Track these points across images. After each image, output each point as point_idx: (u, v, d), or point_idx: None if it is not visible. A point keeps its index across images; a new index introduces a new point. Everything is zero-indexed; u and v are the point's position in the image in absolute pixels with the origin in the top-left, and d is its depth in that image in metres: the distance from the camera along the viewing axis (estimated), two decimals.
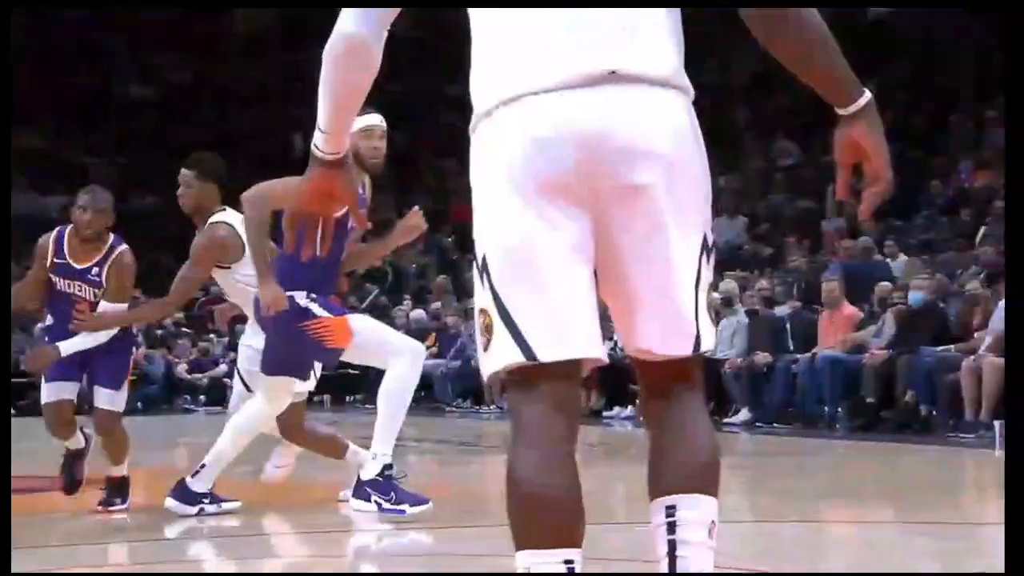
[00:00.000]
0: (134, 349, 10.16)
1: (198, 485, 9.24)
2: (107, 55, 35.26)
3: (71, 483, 9.96)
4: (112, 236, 9.61)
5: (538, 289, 3.62)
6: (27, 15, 33.68)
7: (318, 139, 3.92)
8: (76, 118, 33.26)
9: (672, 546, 3.74)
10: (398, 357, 8.97)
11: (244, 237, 9.22)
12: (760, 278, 22.06)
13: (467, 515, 9.19)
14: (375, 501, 8.84)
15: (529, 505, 3.60)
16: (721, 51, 30.05)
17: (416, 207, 9.53)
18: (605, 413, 20.55)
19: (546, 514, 3.58)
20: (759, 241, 25.51)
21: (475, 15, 3.79)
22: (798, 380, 18.47)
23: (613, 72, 3.63)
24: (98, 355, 9.60)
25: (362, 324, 9.28)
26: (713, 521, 3.72)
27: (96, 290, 9.37)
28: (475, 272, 3.76)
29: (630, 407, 19.43)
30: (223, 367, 24.98)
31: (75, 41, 34.15)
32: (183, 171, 9.62)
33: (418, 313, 26.07)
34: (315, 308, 8.82)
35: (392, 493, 8.88)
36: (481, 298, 3.72)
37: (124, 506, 9.88)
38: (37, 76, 33.04)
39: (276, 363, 8.95)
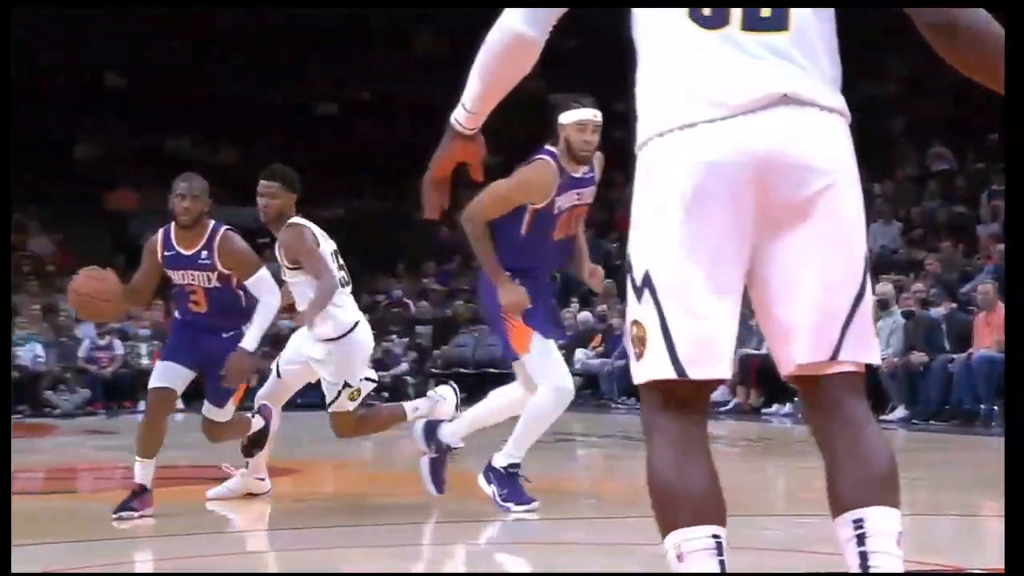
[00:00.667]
0: None
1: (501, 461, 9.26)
2: (302, 76, 35.53)
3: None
4: (211, 221, 9.41)
5: (695, 313, 3.66)
6: (235, 39, 34.05)
7: (460, 115, 4.04)
8: (271, 135, 33.53)
9: (864, 558, 3.70)
10: (547, 389, 9.02)
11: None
12: (916, 281, 21.74)
13: (632, 506, 9.10)
14: (493, 490, 9.12)
15: (670, 495, 3.69)
16: (876, 58, 29.65)
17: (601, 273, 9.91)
18: (764, 410, 20.30)
19: (686, 500, 3.67)
20: (914, 246, 25.15)
21: (647, 38, 3.79)
22: (954, 379, 18.22)
23: (785, 95, 3.65)
24: (215, 359, 9.29)
25: (540, 346, 9.16)
26: (899, 531, 3.72)
27: (209, 274, 9.21)
28: (631, 285, 3.78)
29: (788, 404, 19.20)
30: (404, 365, 25.06)
31: (275, 65, 34.48)
32: (266, 183, 9.73)
33: (585, 315, 25.93)
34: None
35: (507, 489, 9.10)
36: (637, 311, 3.75)
37: (136, 515, 9.15)
38: (239, 96, 33.37)
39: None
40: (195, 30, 34.86)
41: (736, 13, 3.67)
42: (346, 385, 9.77)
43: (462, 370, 25.45)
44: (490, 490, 9.12)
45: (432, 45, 36.53)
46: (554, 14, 3.83)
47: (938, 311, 19.92)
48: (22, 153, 31.54)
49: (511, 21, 3.83)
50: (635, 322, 3.75)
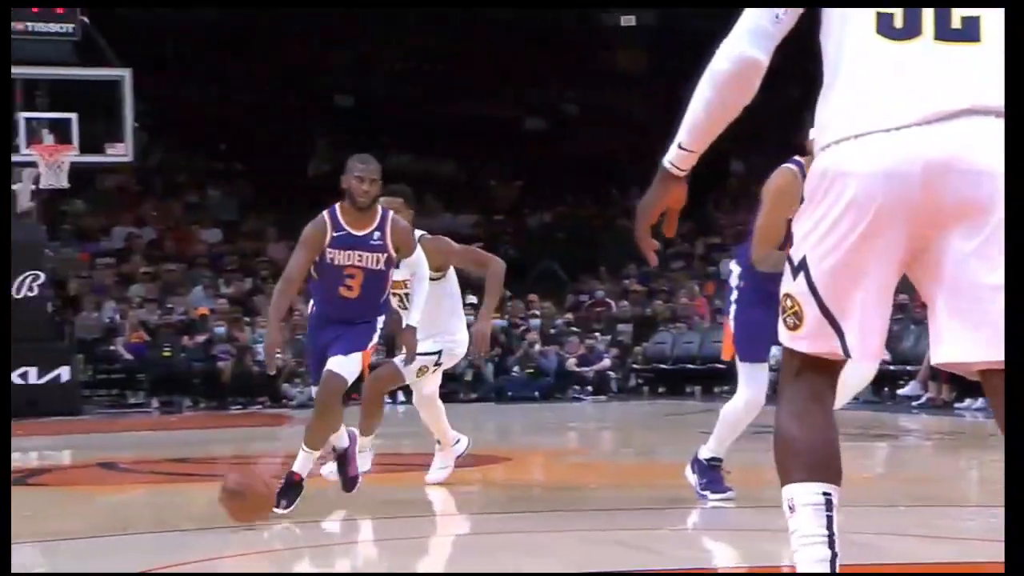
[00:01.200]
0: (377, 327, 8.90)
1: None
2: (513, 92, 35.75)
3: (350, 482, 9.00)
4: (379, 205, 8.90)
5: (850, 300, 3.69)
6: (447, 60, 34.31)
7: (676, 157, 3.85)
8: (484, 147, 33.76)
9: None
10: (747, 393, 8.87)
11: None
12: None
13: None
14: (695, 479, 9.03)
15: (789, 450, 3.78)
16: None
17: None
18: (956, 405, 19.72)
19: (803, 457, 3.75)
20: None
21: (837, 50, 3.71)
22: None
23: (969, 108, 3.55)
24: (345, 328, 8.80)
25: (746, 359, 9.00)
26: None
27: (379, 255, 8.69)
28: (789, 262, 3.81)
29: (980, 399, 18.70)
30: (607, 361, 25.03)
31: (487, 83, 34.75)
32: (391, 199, 9.33)
33: None
34: (730, 313, 9.03)
35: (707, 479, 9.04)
36: (791, 287, 3.79)
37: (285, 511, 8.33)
38: (454, 113, 33.65)
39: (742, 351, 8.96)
40: (414, 53, 35.21)
41: (928, 24, 3.60)
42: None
43: (661, 366, 25.34)
44: (692, 479, 9.06)
45: (633, 62, 36.46)
46: (781, 35, 3.74)
47: None
48: (263, 168, 32.27)
49: (741, 47, 3.72)
50: (788, 296, 3.81)
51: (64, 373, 21.57)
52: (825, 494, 3.70)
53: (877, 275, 3.67)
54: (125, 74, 22.01)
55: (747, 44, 3.73)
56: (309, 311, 9.43)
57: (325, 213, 8.69)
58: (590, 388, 24.74)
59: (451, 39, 35.16)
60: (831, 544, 3.67)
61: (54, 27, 22.19)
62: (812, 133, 3.93)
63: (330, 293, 8.75)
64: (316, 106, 34.16)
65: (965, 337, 3.63)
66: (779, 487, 3.75)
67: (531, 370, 24.72)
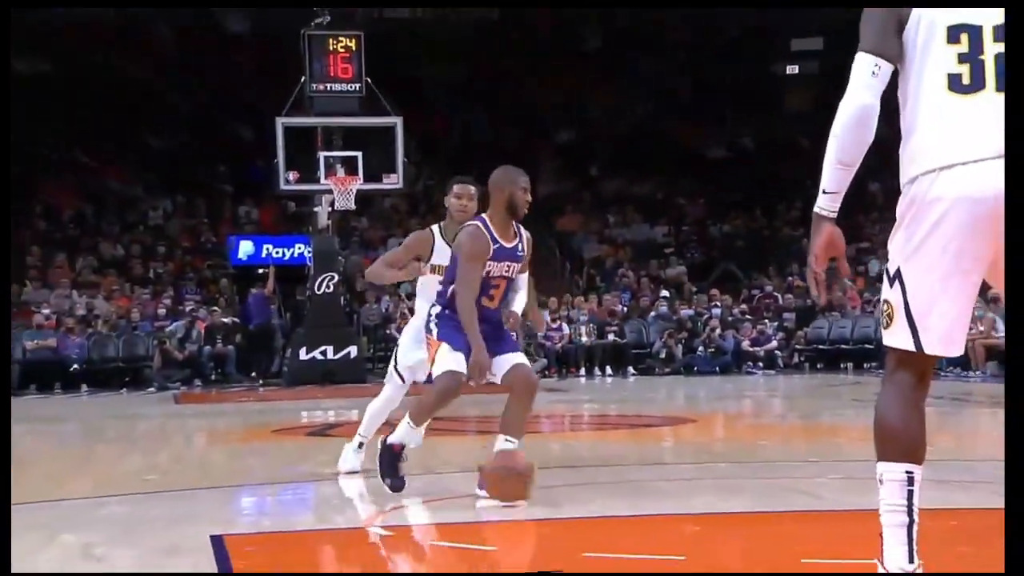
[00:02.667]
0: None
1: None
2: (699, 130, 35.47)
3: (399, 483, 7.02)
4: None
5: (935, 304, 3.66)
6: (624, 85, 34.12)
7: (825, 202, 3.82)
8: (677, 170, 33.53)
9: None
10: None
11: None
12: None
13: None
14: None
15: (885, 432, 3.74)
16: None
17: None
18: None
19: (895, 440, 3.72)
20: None
21: (915, 103, 3.72)
22: None
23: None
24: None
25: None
26: None
27: (518, 264, 7.28)
28: (886, 273, 3.79)
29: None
30: (774, 343, 24.78)
31: (677, 115, 34.56)
32: (471, 187, 7.73)
33: None
34: None
35: None
36: (888, 294, 3.76)
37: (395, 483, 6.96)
38: (654, 143, 33.50)
39: None
40: (617, 91, 35.06)
41: (991, 79, 3.59)
42: None
43: (820, 346, 25.02)
44: None
45: (800, 102, 35.89)
46: (883, 85, 3.74)
47: None
48: None
49: (862, 96, 3.72)
50: (886, 301, 3.77)
51: (353, 351, 22.02)
52: (908, 472, 3.69)
53: (960, 285, 3.64)
54: (397, 121, 22.38)
55: (861, 94, 3.72)
56: (428, 311, 7.38)
57: (479, 226, 7.09)
58: (761, 364, 24.51)
59: (644, 87, 35.03)
60: (910, 512, 3.66)
61: (345, 87, 22.69)
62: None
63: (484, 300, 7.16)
64: (541, 140, 34.24)
65: None
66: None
67: (713, 350, 24.59)
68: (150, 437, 13.24)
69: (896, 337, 3.75)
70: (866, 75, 3.72)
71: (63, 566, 5.39)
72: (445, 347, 6.97)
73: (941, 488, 7.16)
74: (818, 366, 24.43)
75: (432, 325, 7.13)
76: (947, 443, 11.14)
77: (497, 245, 7.03)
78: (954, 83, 3.61)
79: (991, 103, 3.57)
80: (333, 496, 7.69)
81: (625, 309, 26.34)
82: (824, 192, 3.81)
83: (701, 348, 24.74)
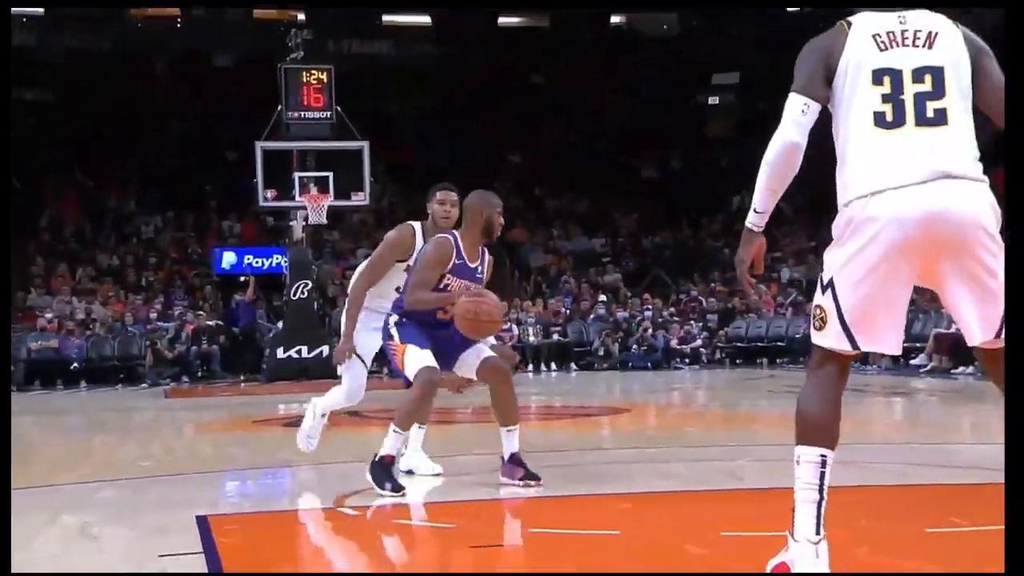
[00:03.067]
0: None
1: None
2: (632, 152, 35.57)
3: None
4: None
5: (869, 310, 3.70)
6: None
7: (755, 220, 3.93)
8: (613, 189, 33.58)
9: None
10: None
11: None
12: None
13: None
14: None
15: (805, 419, 3.80)
16: None
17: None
18: (952, 371, 19.19)
19: (812, 426, 3.78)
20: None
21: (847, 138, 3.78)
22: None
23: (947, 172, 3.64)
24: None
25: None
26: None
27: (475, 285, 6.60)
28: (820, 282, 3.80)
29: (971, 367, 18.20)
30: (699, 341, 24.88)
31: (613, 141, 34.67)
32: (453, 194, 6.99)
33: None
34: None
35: None
36: (822, 301, 3.78)
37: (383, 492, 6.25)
38: (588, 162, 33.55)
39: None
40: (559, 121, 35.08)
41: (911, 116, 3.69)
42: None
43: (738, 344, 25.12)
44: None
45: (720, 129, 36.09)
46: (810, 123, 3.81)
47: None
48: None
49: (793, 135, 3.80)
50: (819, 306, 3.79)
51: (325, 350, 21.82)
52: (822, 455, 3.74)
53: (888, 293, 3.70)
54: (364, 145, 22.26)
55: (790, 131, 3.79)
56: (385, 321, 6.75)
57: (449, 238, 6.58)
58: (687, 360, 24.58)
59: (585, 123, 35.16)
60: (820, 490, 3.72)
61: (318, 114, 22.63)
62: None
63: (430, 313, 6.55)
64: (494, 164, 34.17)
65: (980, 328, 3.69)
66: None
67: (645, 348, 24.63)
68: (143, 428, 13.15)
69: (829, 338, 3.79)
70: (796, 113, 3.79)
71: (64, 544, 5.34)
72: (412, 347, 6.47)
73: (845, 468, 7.23)
74: (737, 361, 24.52)
75: (392, 332, 6.59)
76: (848, 428, 11.22)
77: (460, 261, 6.50)
78: (879, 120, 3.70)
79: (912, 137, 3.67)
80: (308, 480, 7.67)
81: (568, 312, 26.35)
82: (755, 211, 3.91)
83: (635, 346, 24.78)
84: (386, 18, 36.58)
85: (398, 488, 6.22)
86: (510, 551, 4.86)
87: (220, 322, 24.73)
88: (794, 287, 27.09)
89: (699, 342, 24.99)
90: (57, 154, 30.86)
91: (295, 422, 12.58)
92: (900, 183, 3.65)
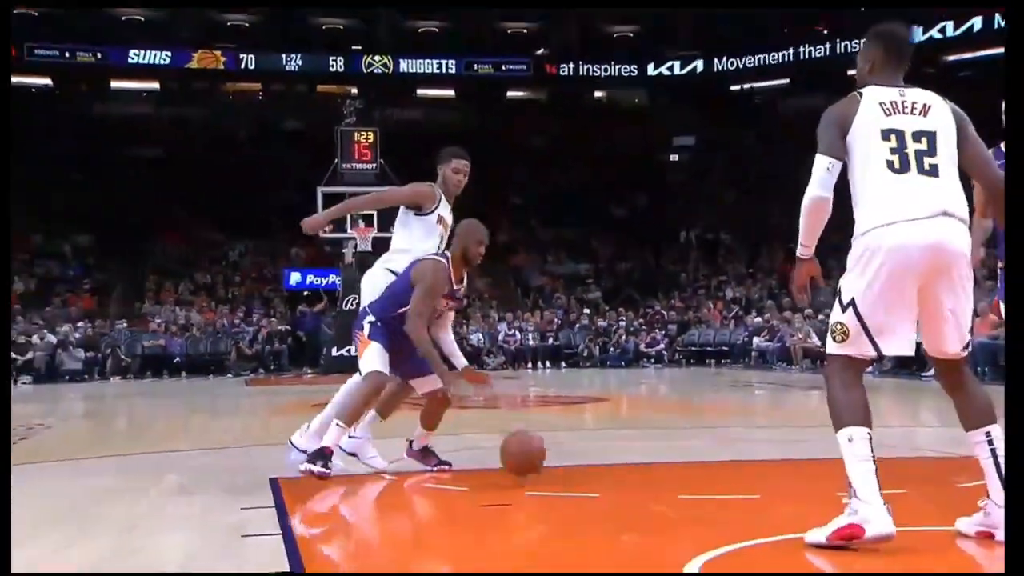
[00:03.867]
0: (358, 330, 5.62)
1: None
2: (635, 188, 35.50)
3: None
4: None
5: (887, 322, 3.62)
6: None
7: (801, 250, 3.80)
8: (595, 224, 33.52)
9: (994, 453, 3.65)
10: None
11: None
12: None
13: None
14: None
15: (847, 408, 3.63)
16: None
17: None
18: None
19: (855, 410, 3.62)
20: None
21: (863, 178, 3.68)
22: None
23: (944, 211, 3.60)
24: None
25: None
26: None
27: (455, 304, 5.85)
28: (839, 301, 3.68)
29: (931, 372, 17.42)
30: (662, 345, 24.80)
31: (595, 186, 34.66)
32: (466, 163, 6.03)
33: None
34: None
35: None
36: (842, 318, 3.66)
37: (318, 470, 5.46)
38: (576, 202, 33.52)
39: None
40: (553, 171, 35.03)
41: (914, 166, 3.64)
42: None
43: (692, 348, 25.02)
44: None
45: (678, 179, 35.90)
46: (835, 177, 3.71)
47: None
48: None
49: (814, 192, 3.68)
50: (839, 323, 3.67)
51: None
52: (868, 432, 3.59)
53: (900, 307, 3.63)
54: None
55: (818, 189, 3.67)
56: (361, 314, 5.72)
57: (445, 265, 5.64)
58: (653, 360, 24.53)
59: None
60: (874, 460, 3.54)
61: (365, 166, 22.69)
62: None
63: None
64: (502, 204, 34.21)
65: (933, 339, 3.71)
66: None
67: (619, 350, 24.58)
68: (228, 410, 13.12)
69: (854, 347, 3.67)
70: (823, 172, 3.67)
71: (166, 500, 5.32)
72: (376, 346, 5.48)
73: (782, 445, 7.21)
74: (691, 362, 24.43)
75: (365, 325, 5.55)
76: (780, 415, 11.18)
77: (449, 285, 5.64)
78: (890, 166, 3.63)
79: (916, 181, 3.61)
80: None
81: (559, 322, 26.32)
82: (801, 245, 3.80)
83: (612, 349, 24.73)
84: (419, 91, 36.70)
85: (323, 475, 5.37)
86: (514, 509, 4.82)
87: (288, 327, 24.70)
88: (736, 303, 27.04)
89: (662, 346, 24.92)
90: (165, 197, 30.89)
91: None
92: (910, 216, 3.58)
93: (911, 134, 3.67)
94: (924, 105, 3.74)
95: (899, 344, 3.63)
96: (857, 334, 3.63)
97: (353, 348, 5.77)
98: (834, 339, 3.68)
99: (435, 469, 5.78)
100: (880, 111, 3.70)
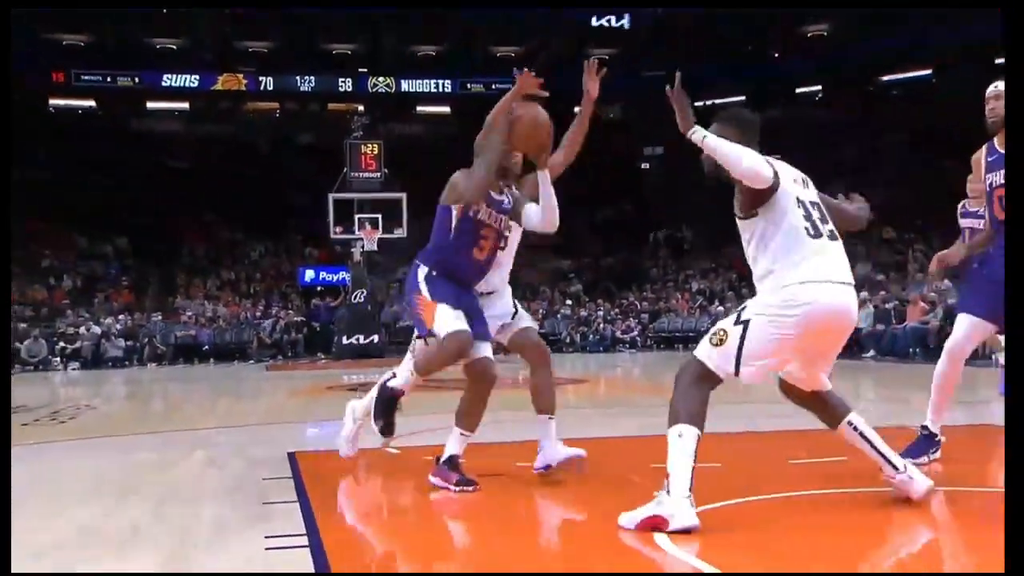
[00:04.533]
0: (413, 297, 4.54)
1: None
2: (614, 194, 35.50)
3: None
4: None
5: (764, 355, 3.51)
6: None
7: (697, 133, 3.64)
8: (577, 226, 33.49)
9: (862, 434, 3.75)
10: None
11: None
12: (881, 290, 20.35)
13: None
14: None
15: (686, 410, 3.52)
16: None
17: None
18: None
19: (696, 414, 3.53)
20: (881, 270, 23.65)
21: (784, 237, 3.57)
22: (897, 337, 16.90)
23: (847, 281, 3.60)
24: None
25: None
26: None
27: (505, 217, 4.71)
28: (735, 315, 3.56)
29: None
30: (636, 332, 24.79)
31: (577, 195, 34.62)
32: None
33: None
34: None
35: None
36: (729, 328, 3.53)
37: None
38: (560, 208, 33.45)
39: None
40: None
41: (824, 232, 3.61)
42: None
43: (663, 334, 25.04)
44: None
45: (651, 186, 35.76)
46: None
47: (889, 305, 18.79)
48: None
49: (762, 171, 3.58)
50: (723, 330, 3.55)
51: (375, 338, 21.84)
52: (699, 434, 3.45)
53: (784, 352, 3.58)
54: (402, 196, 22.26)
55: (759, 167, 3.52)
56: (414, 270, 4.58)
57: None
58: (628, 345, 24.55)
59: None
60: (695, 459, 3.41)
61: (372, 174, 22.69)
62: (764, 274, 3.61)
63: (464, 270, 4.58)
64: None
65: (809, 378, 3.73)
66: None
67: (598, 337, 24.60)
68: (252, 392, 13.11)
69: (720, 359, 3.52)
70: (762, 162, 3.56)
71: (198, 471, 5.31)
72: (444, 307, 4.38)
73: (741, 420, 7.22)
74: (661, 347, 24.46)
75: (421, 285, 4.47)
76: (737, 394, 11.13)
77: (487, 195, 4.55)
78: (807, 232, 3.58)
79: (826, 246, 3.59)
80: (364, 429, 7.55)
81: (544, 311, 26.34)
82: (703, 134, 3.62)
83: (591, 336, 24.75)
84: (419, 108, 36.61)
85: (386, 432, 4.68)
86: (507, 480, 4.83)
87: (303, 318, 24.70)
88: (700, 294, 27.08)
89: (636, 333, 24.95)
90: (193, 203, 30.79)
91: (354, 388, 12.57)
92: (828, 279, 3.55)
93: (810, 203, 3.66)
94: (803, 178, 3.73)
95: (756, 378, 3.54)
96: (730, 348, 3.50)
97: (407, 315, 4.70)
98: (711, 341, 3.55)
99: (456, 490, 4.35)
100: (792, 183, 3.66)
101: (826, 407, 3.78)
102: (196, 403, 11.30)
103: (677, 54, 35.29)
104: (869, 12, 29.65)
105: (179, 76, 34.23)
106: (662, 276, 29.95)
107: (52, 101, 34.04)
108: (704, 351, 3.56)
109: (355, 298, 22.23)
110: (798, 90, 34.07)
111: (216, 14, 31.39)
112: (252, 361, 22.10)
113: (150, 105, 35.31)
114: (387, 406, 4.66)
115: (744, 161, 3.48)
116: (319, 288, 26.57)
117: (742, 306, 3.61)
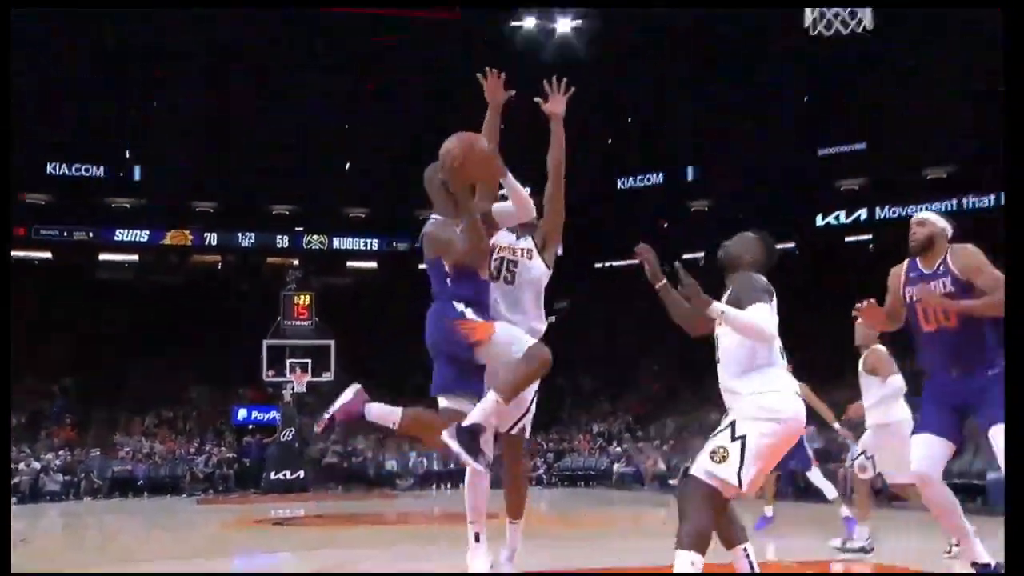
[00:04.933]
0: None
1: None
2: None
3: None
4: None
5: (761, 467, 3.41)
6: None
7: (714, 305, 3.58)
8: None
9: (751, 563, 3.64)
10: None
11: None
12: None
13: None
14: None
15: (698, 532, 3.31)
16: None
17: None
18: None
19: (705, 541, 3.34)
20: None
21: (767, 352, 3.54)
22: None
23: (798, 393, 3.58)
24: None
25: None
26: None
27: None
28: (730, 434, 3.38)
29: None
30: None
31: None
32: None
33: None
34: None
35: None
36: (728, 445, 3.36)
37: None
38: None
39: None
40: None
41: (784, 355, 3.61)
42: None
43: (567, 472, 24.75)
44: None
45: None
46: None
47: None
48: None
49: (770, 331, 3.57)
50: (723, 447, 3.36)
51: (301, 473, 21.43)
52: (703, 562, 3.25)
53: (775, 460, 3.54)
54: (331, 343, 22.54)
55: (769, 328, 3.53)
56: (453, 305, 3.95)
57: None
58: (534, 482, 24.44)
59: None
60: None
61: (304, 323, 23.14)
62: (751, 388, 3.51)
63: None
64: None
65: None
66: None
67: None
68: (183, 524, 12.89)
69: (722, 473, 3.35)
70: (769, 315, 3.52)
71: None
72: (503, 324, 3.89)
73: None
74: (565, 483, 24.26)
75: (463, 311, 3.87)
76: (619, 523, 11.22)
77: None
78: (779, 351, 3.58)
79: (784, 366, 3.59)
80: (284, 560, 7.53)
81: None
82: (721, 310, 3.55)
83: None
84: (349, 263, 37.62)
85: (486, 463, 3.96)
86: None
87: (235, 455, 24.53)
88: (600, 436, 27.39)
89: (541, 471, 24.58)
90: (140, 349, 30.66)
91: (279, 521, 12.24)
92: (796, 391, 3.56)
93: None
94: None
95: (755, 488, 3.43)
96: (733, 461, 3.34)
97: (445, 342, 3.87)
98: (713, 459, 3.34)
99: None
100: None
101: (726, 525, 3.54)
102: (131, 535, 11.10)
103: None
104: None
105: (130, 231, 35.12)
106: (567, 419, 30.40)
107: (13, 252, 34.36)
108: (709, 469, 3.35)
109: (284, 436, 22.36)
110: None
111: (169, 173, 32.23)
112: (184, 495, 21.81)
113: (103, 257, 35.79)
114: (472, 442, 3.75)
115: (756, 326, 3.44)
116: (250, 427, 26.58)
117: (729, 421, 3.44)
